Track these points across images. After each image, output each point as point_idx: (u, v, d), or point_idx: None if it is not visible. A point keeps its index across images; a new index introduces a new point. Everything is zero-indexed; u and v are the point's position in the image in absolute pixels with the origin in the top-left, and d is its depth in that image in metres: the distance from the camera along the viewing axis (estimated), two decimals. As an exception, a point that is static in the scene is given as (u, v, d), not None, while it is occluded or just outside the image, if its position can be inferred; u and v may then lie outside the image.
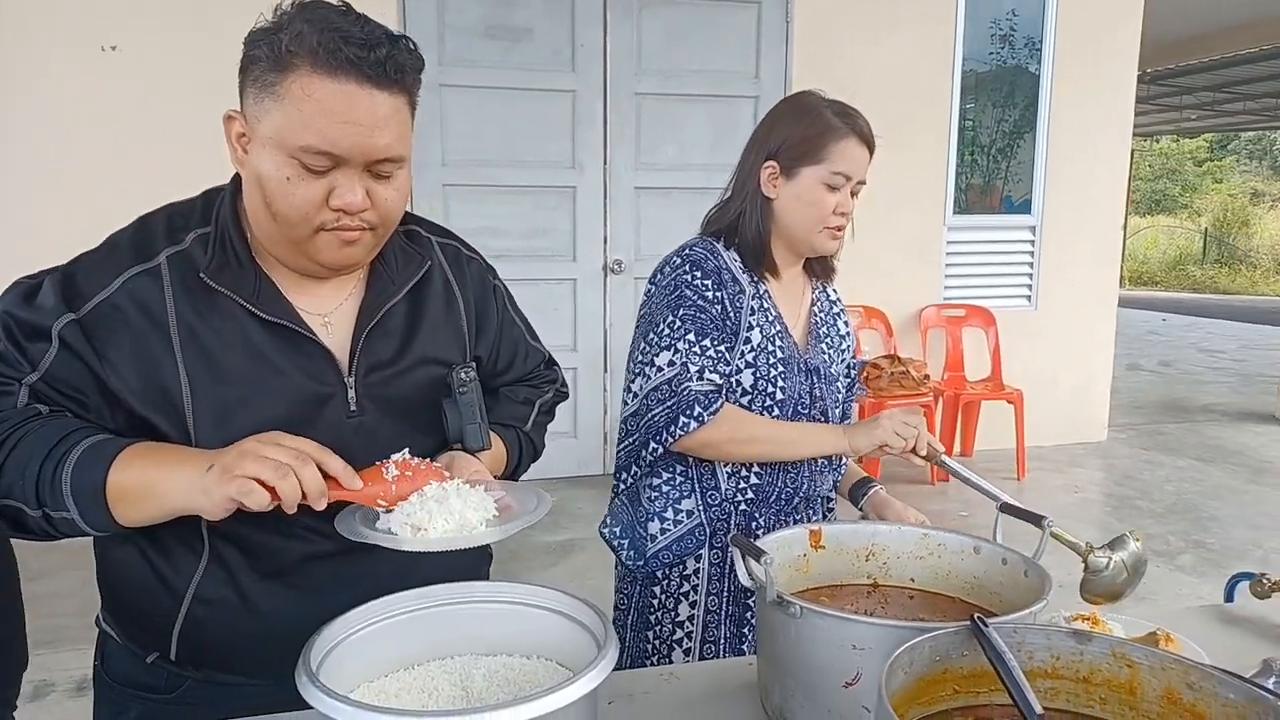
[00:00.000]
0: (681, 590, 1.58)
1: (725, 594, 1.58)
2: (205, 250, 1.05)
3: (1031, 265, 5.74)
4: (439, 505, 0.96)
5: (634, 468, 1.54)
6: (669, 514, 1.56)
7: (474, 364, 1.18)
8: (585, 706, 0.82)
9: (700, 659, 1.57)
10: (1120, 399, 6.84)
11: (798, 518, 1.61)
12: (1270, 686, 1.04)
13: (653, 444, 1.48)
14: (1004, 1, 5.43)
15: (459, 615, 1.01)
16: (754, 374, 1.52)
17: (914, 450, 1.51)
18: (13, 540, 1.07)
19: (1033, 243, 5.72)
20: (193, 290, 1.04)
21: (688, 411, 1.45)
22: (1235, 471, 5.40)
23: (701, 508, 1.56)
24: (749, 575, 1.06)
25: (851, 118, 1.54)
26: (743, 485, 1.56)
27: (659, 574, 1.59)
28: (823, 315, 1.67)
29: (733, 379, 1.53)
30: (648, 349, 1.51)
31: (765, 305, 1.57)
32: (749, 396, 1.53)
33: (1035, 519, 1.19)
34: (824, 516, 1.67)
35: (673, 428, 1.46)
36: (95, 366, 1.01)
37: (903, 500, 1.61)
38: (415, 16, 4.48)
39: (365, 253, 1.07)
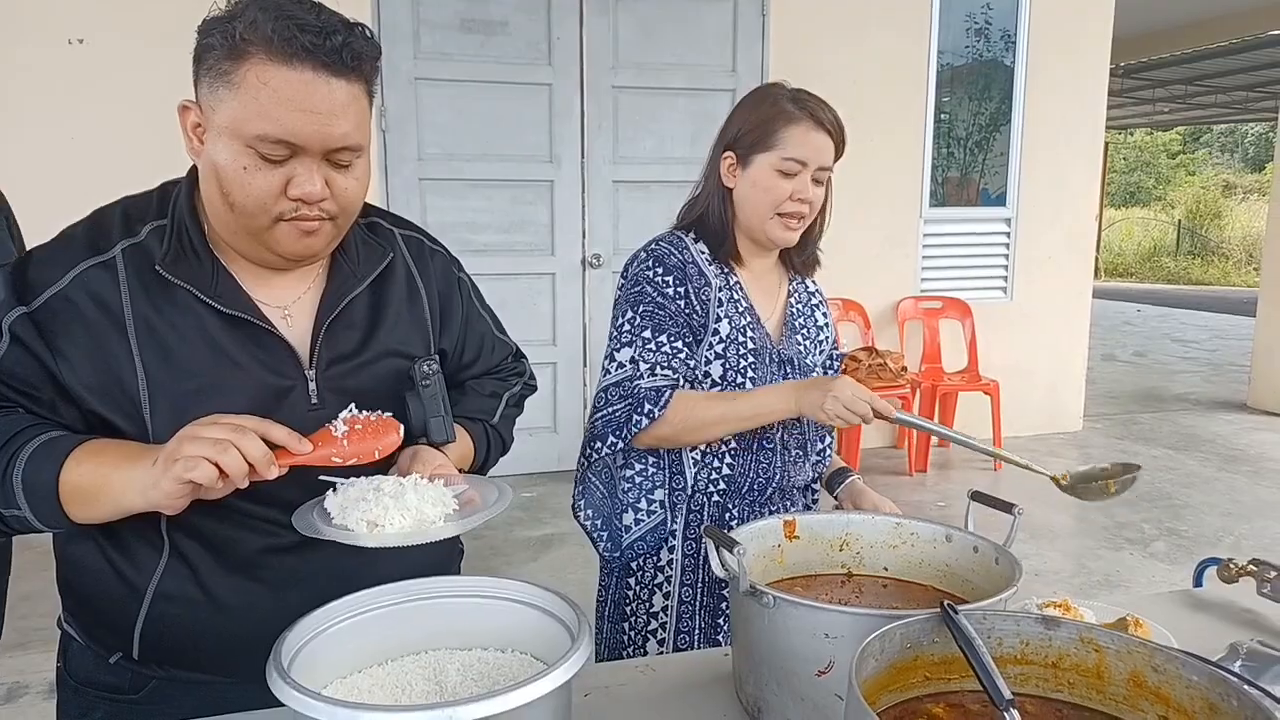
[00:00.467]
0: (656, 581, 1.59)
1: (699, 585, 1.58)
2: (161, 243, 1.04)
3: (1007, 257, 5.79)
4: (395, 501, 0.96)
5: (597, 443, 1.55)
6: (642, 504, 1.57)
7: (437, 357, 1.17)
8: (559, 699, 0.82)
9: (675, 650, 1.58)
10: (1095, 389, 6.92)
11: (773, 509, 1.60)
12: (1236, 669, 1.05)
13: (612, 438, 1.51)
14: (979, -5, 5.47)
15: (432, 610, 1.00)
16: (723, 365, 1.53)
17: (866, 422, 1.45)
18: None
19: (1008, 235, 5.77)
20: (149, 283, 1.02)
21: (639, 409, 1.48)
22: (1207, 460, 5.48)
23: (671, 499, 1.57)
24: (722, 566, 1.06)
25: (805, 102, 1.52)
26: (714, 476, 1.56)
27: (634, 565, 1.59)
28: (800, 307, 1.68)
29: (700, 370, 1.53)
30: (610, 345, 1.54)
31: (735, 297, 1.57)
32: (719, 387, 1.54)
33: (1005, 506, 1.21)
34: (805, 509, 1.68)
35: (629, 426, 1.48)
36: (48, 361, 1.00)
37: (882, 492, 1.62)
38: (390, 10, 4.44)
39: (325, 243, 1.06)
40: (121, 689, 1.12)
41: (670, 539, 1.58)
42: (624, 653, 1.60)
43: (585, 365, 5.02)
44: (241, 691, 1.02)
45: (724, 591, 1.58)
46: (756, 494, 1.59)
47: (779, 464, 1.59)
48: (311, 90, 0.95)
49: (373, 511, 0.95)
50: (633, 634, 1.60)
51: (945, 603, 0.85)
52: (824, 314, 1.73)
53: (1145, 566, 3.88)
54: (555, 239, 4.90)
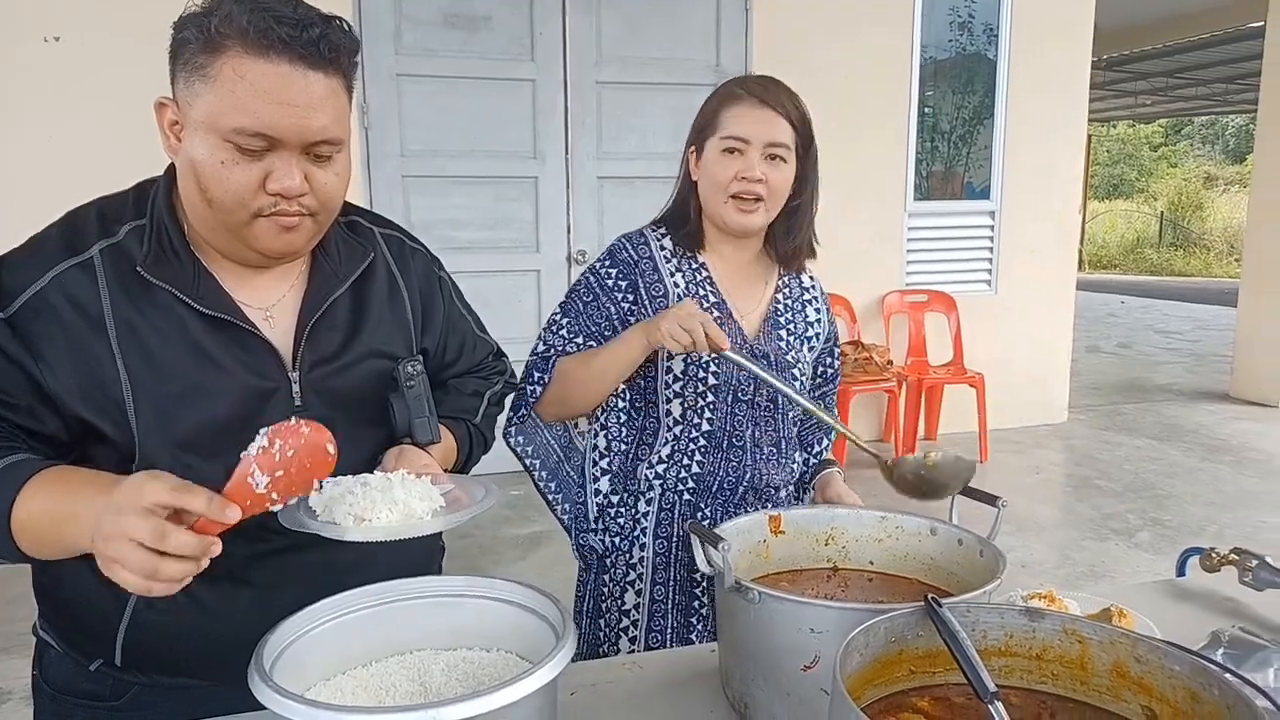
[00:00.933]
0: (628, 579, 1.58)
1: (671, 583, 1.57)
2: (141, 243, 1.02)
3: (991, 250, 5.81)
4: (383, 495, 0.95)
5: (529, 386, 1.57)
6: (602, 489, 1.61)
7: (420, 357, 1.17)
8: (544, 697, 0.82)
9: (646, 648, 1.57)
10: (1080, 380, 6.96)
11: (746, 509, 1.56)
12: (1219, 657, 1.06)
13: (523, 410, 1.57)
14: (961, -11, 5.48)
15: (415, 610, 1.00)
16: (684, 360, 1.52)
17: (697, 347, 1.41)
18: None
19: (992, 228, 5.79)
20: (129, 285, 1.01)
21: (530, 379, 1.55)
22: (1190, 450, 5.52)
23: (624, 491, 1.58)
24: (707, 562, 1.06)
25: (752, 85, 1.51)
26: (682, 474, 1.55)
27: (608, 561, 1.59)
28: (789, 302, 1.64)
29: (662, 365, 1.53)
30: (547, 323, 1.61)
31: (703, 291, 1.56)
32: (680, 382, 1.53)
33: (990, 499, 1.21)
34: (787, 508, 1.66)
35: (528, 397, 1.55)
36: (29, 367, 0.98)
37: (866, 485, 1.61)
38: (371, 5, 4.41)
39: (305, 240, 1.05)
40: (101, 696, 1.10)
41: (641, 536, 1.57)
42: (599, 650, 1.60)
43: (572, 362, 5.00)
44: (228, 695, 1.01)
45: (697, 590, 1.57)
46: (728, 493, 1.56)
47: (749, 462, 1.56)
48: (289, 83, 0.94)
49: (360, 506, 0.94)
50: (607, 630, 1.60)
51: (929, 596, 0.85)
52: (817, 310, 1.69)
53: (1130, 557, 3.91)
54: (539, 235, 4.88)
